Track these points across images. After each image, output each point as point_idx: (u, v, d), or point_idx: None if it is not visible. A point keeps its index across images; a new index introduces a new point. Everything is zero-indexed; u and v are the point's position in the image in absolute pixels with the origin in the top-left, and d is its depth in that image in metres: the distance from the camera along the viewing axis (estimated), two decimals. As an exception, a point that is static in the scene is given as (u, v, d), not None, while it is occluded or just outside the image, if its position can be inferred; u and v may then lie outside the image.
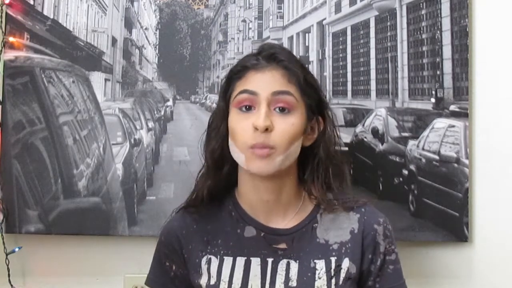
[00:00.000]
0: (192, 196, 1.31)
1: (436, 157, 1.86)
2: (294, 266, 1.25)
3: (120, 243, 1.86)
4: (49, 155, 1.84)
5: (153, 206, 1.87)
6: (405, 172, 1.89)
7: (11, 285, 1.82)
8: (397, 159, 1.90)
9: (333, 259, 1.25)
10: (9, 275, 1.81)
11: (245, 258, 1.26)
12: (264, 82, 1.19)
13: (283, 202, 1.27)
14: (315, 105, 1.25)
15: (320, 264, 1.24)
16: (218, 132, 1.24)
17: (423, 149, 1.88)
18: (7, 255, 1.82)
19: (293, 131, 1.20)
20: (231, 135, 1.22)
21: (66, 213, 1.84)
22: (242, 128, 1.19)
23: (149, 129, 1.95)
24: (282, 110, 1.20)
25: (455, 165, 1.85)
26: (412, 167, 1.88)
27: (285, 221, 1.28)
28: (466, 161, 1.83)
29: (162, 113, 1.97)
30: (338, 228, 1.27)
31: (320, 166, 1.27)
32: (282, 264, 1.25)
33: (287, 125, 1.19)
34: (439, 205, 1.85)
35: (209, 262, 1.27)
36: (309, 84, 1.24)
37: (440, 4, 1.90)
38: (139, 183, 1.91)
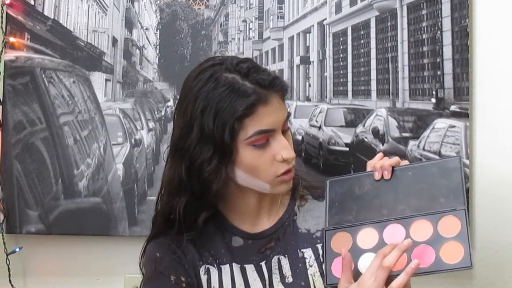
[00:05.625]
0: (180, 223, 1.24)
1: (437, 157, 1.86)
2: (285, 262, 1.26)
3: (120, 243, 1.86)
4: (50, 155, 1.85)
5: (153, 206, 1.85)
6: (406, 172, 1.89)
7: (12, 285, 1.82)
8: (398, 159, 1.90)
9: (319, 246, 1.27)
10: (9, 275, 1.82)
11: (240, 265, 1.26)
12: (275, 115, 1.18)
13: (267, 204, 1.29)
14: None
15: (308, 253, 1.26)
16: (219, 174, 1.17)
17: (423, 149, 1.89)
18: (7, 255, 1.82)
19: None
20: (250, 170, 1.19)
21: (67, 213, 1.84)
22: (265, 162, 1.18)
23: (149, 129, 1.95)
24: (285, 130, 1.22)
25: (456, 165, 1.85)
26: (413, 167, 1.88)
27: (270, 220, 1.29)
28: (467, 161, 1.83)
29: (163, 113, 1.97)
30: (316, 217, 1.29)
31: None
32: (274, 262, 1.26)
33: (291, 139, 1.22)
34: (440, 205, 1.85)
35: (208, 272, 1.26)
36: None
37: (441, 4, 1.90)
38: (139, 183, 1.91)
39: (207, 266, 1.26)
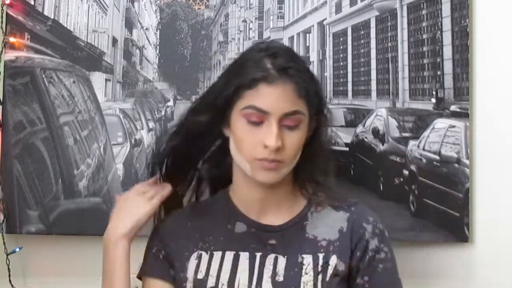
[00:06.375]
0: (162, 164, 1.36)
1: (437, 157, 1.86)
2: (282, 261, 1.25)
3: (120, 243, 1.86)
4: (50, 155, 1.84)
5: (153, 206, 1.87)
6: (406, 172, 1.89)
7: (12, 285, 1.82)
8: (398, 159, 1.90)
9: (320, 256, 1.25)
10: (9, 276, 1.82)
11: (234, 252, 1.26)
12: (276, 100, 1.18)
13: (277, 199, 1.28)
14: (316, 108, 1.26)
15: (308, 260, 1.25)
16: (210, 128, 1.26)
17: (423, 149, 1.89)
18: (7, 255, 1.82)
19: (300, 144, 1.22)
20: (236, 142, 1.22)
21: (67, 213, 1.84)
22: (251, 141, 1.19)
23: (149, 129, 1.95)
24: (291, 127, 1.20)
25: (456, 165, 1.85)
26: (413, 167, 1.88)
27: (277, 217, 1.28)
28: (467, 161, 1.83)
29: (163, 113, 1.98)
30: (328, 226, 1.28)
31: (313, 163, 1.28)
32: (270, 259, 1.25)
33: (295, 140, 1.21)
34: (440, 205, 1.85)
35: (199, 257, 1.27)
36: (315, 92, 1.24)
37: (441, 4, 1.90)
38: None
39: (200, 252, 1.27)
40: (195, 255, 1.27)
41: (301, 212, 1.30)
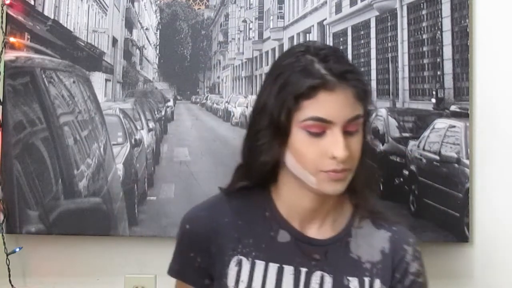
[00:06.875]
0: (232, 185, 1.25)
1: (437, 157, 1.86)
2: (328, 281, 1.19)
3: (120, 243, 1.86)
4: (50, 155, 1.84)
5: (153, 206, 1.87)
6: (406, 172, 1.89)
7: (12, 285, 1.82)
8: (398, 159, 1.90)
9: (366, 280, 1.21)
10: (9, 275, 1.82)
11: (278, 265, 1.20)
12: (338, 107, 1.11)
13: (324, 211, 1.22)
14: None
15: (354, 283, 1.20)
16: (271, 148, 1.16)
17: (423, 149, 1.89)
18: (7, 255, 1.82)
19: (360, 148, 1.17)
20: (297, 156, 1.14)
21: (67, 214, 1.84)
22: (314, 153, 1.13)
23: (149, 130, 1.95)
24: (351, 132, 1.14)
25: (456, 165, 1.85)
26: (413, 167, 1.88)
27: (321, 230, 1.22)
28: (467, 162, 1.83)
29: (163, 113, 1.98)
30: (370, 246, 1.23)
31: (360, 170, 1.21)
32: (316, 277, 1.20)
33: (357, 145, 1.15)
34: (440, 205, 1.85)
35: (239, 264, 1.20)
36: (370, 92, 1.19)
37: (441, 4, 1.90)
38: (139, 184, 1.91)
39: (240, 257, 1.20)
40: (234, 260, 1.20)
41: (345, 227, 1.24)
